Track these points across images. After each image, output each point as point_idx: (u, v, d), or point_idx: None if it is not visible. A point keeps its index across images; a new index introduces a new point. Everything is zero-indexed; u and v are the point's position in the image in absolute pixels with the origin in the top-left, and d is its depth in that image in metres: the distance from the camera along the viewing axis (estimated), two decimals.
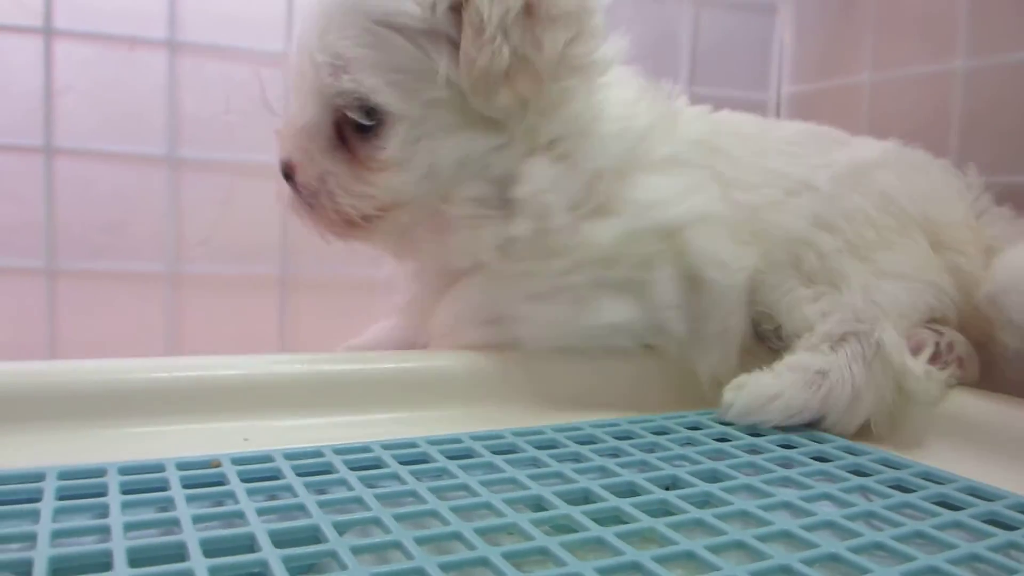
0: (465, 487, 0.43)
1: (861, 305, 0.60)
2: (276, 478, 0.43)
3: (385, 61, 0.56)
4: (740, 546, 0.38)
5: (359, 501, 0.40)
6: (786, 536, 0.40)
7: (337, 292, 0.79)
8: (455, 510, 0.39)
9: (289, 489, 0.41)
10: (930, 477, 0.49)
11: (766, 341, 0.66)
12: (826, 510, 0.43)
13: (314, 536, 0.37)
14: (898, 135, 0.74)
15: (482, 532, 0.37)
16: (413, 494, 0.42)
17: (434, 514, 0.39)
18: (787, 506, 0.43)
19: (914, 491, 0.46)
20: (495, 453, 0.49)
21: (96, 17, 0.73)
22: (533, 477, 0.45)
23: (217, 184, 0.75)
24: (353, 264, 0.74)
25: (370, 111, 0.57)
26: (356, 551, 0.34)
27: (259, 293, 0.76)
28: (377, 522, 0.38)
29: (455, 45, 0.55)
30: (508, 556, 0.35)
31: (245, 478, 0.43)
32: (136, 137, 0.73)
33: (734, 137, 0.68)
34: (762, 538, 0.39)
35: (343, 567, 0.33)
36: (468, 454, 0.49)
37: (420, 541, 0.36)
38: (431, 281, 0.65)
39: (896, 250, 0.64)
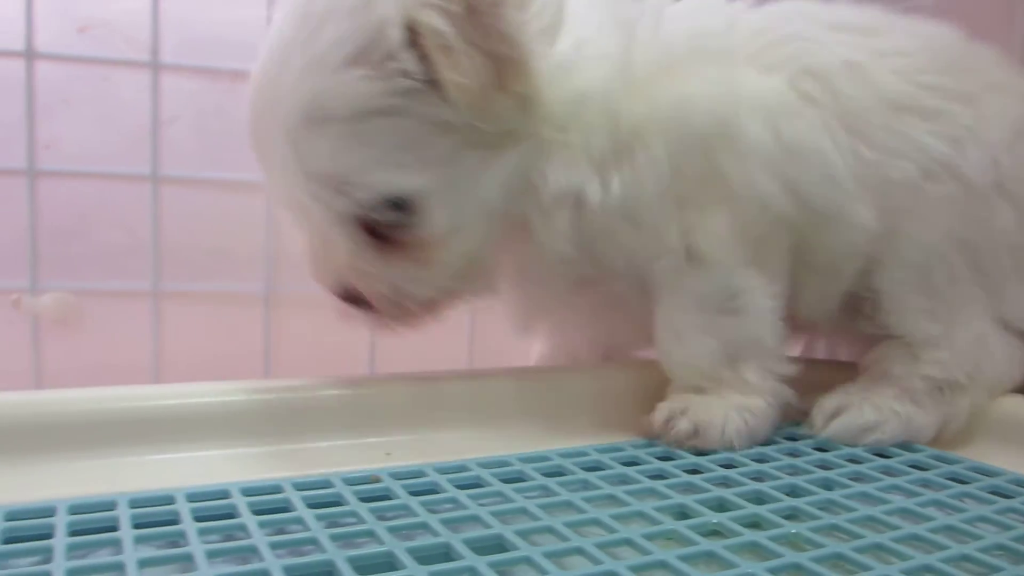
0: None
1: (968, 359, 0.62)
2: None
3: (381, 150, 0.51)
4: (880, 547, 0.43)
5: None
6: (915, 538, 0.44)
7: None
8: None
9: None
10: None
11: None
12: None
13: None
14: None
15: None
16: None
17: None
18: (905, 511, 0.48)
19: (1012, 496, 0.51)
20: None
21: (201, 51, 0.76)
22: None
23: None
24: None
25: (395, 203, 0.53)
26: None
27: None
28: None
29: (430, 82, 0.50)
30: None
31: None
32: (237, 164, 0.76)
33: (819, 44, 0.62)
34: (898, 540, 0.43)
35: None
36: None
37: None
38: (541, 294, 0.64)
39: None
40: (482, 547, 0.41)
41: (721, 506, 0.48)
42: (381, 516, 0.44)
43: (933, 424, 0.61)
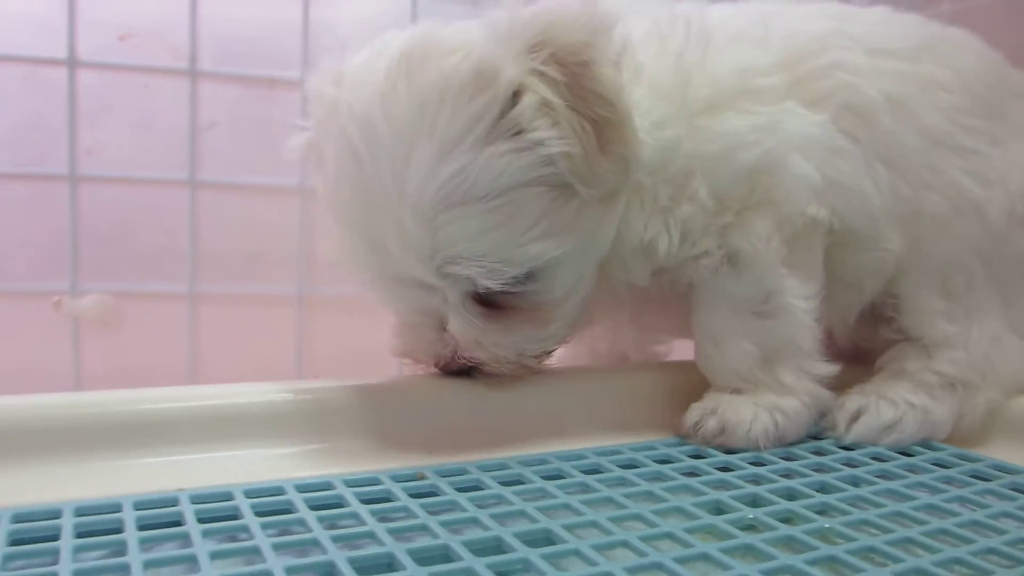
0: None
1: (982, 359, 0.65)
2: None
3: (524, 224, 0.52)
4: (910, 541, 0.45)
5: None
6: (942, 532, 0.46)
7: None
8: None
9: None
10: None
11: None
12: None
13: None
14: None
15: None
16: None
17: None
18: (931, 507, 0.50)
19: None
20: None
21: (237, 59, 0.78)
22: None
23: None
24: None
25: (527, 274, 0.54)
26: None
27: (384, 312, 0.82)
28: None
29: (544, 158, 0.51)
30: None
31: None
32: (272, 169, 0.78)
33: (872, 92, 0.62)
34: (928, 534, 0.45)
35: None
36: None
37: None
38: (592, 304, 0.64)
39: None
40: (532, 540, 0.43)
41: (754, 502, 0.50)
42: (432, 511, 0.46)
43: (949, 417, 0.63)
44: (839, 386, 0.65)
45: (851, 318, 0.69)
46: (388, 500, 0.48)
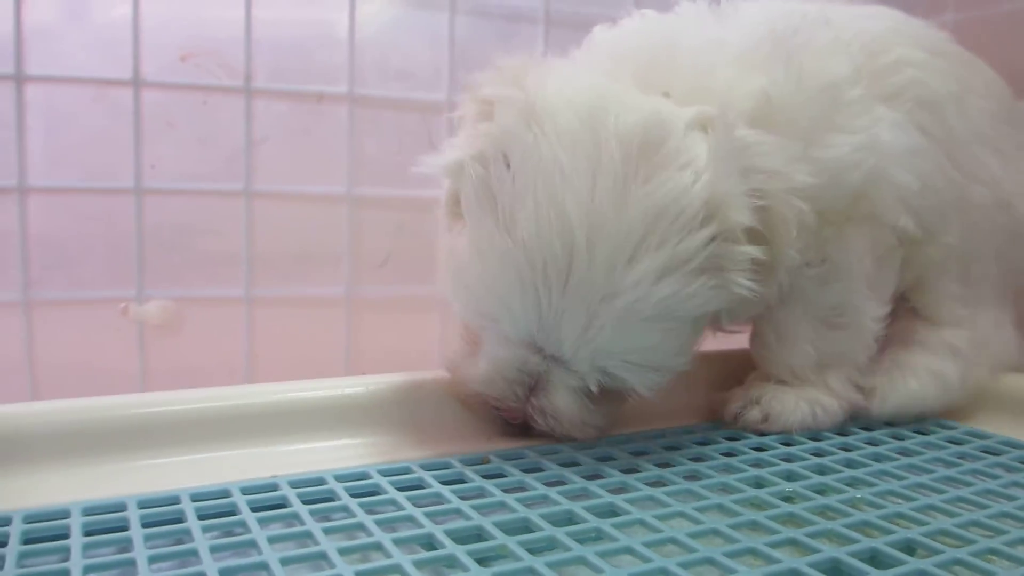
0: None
1: (982, 340, 0.70)
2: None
3: (684, 342, 0.56)
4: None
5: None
6: (960, 499, 0.52)
7: None
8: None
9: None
10: None
11: None
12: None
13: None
14: None
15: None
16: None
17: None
18: (948, 479, 0.55)
19: None
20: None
21: (289, 75, 0.83)
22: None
23: (388, 217, 0.86)
24: None
25: None
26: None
27: (427, 311, 0.88)
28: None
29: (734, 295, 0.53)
30: None
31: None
32: (321, 178, 0.83)
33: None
34: (947, 501, 0.51)
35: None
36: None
37: (418, 564, 0.40)
38: None
39: None
40: (600, 512, 0.48)
41: (790, 477, 0.56)
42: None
43: (959, 378, 0.68)
44: None
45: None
46: (462, 481, 0.53)
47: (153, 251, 0.81)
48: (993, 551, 0.45)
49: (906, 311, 0.72)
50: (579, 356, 0.53)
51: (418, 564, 0.41)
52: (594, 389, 0.55)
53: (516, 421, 0.59)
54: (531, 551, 0.43)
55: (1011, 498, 0.52)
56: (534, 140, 0.51)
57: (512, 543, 0.43)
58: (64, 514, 0.46)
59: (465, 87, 0.59)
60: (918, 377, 0.67)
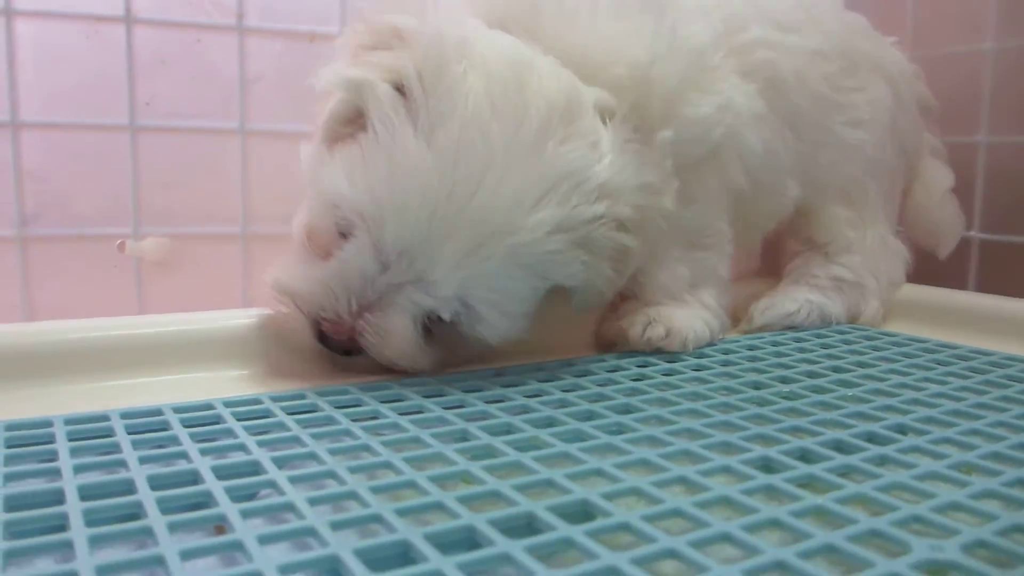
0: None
1: (872, 262, 0.81)
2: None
3: (526, 296, 0.57)
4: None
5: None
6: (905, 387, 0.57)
7: None
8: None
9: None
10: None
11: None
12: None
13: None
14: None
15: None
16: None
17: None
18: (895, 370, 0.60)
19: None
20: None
21: (282, 16, 0.84)
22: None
23: None
24: None
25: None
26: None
27: None
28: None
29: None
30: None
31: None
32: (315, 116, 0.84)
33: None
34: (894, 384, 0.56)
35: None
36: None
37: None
38: None
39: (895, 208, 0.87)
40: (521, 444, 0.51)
41: (728, 389, 0.58)
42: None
43: (842, 312, 0.80)
44: (754, 294, 0.81)
45: (756, 248, 0.87)
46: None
47: (149, 188, 0.82)
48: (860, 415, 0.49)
49: (804, 245, 0.83)
50: (448, 279, 0.52)
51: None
52: (445, 318, 0.54)
53: (340, 338, 0.55)
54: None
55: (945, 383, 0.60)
56: (463, 72, 0.52)
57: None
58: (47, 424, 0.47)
59: (358, 16, 0.60)
60: (796, 302, 0.78)
